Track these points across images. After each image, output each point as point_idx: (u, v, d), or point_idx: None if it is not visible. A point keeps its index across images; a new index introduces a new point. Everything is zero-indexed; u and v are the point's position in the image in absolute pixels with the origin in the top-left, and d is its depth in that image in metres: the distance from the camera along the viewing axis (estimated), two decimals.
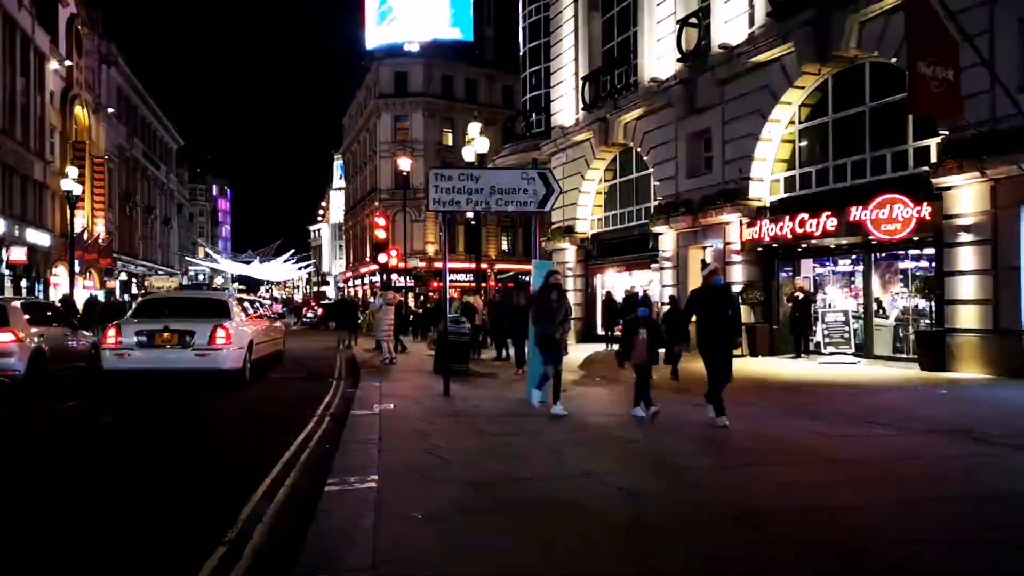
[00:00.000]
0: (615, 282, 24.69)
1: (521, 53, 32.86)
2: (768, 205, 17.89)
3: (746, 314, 17.39)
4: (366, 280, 54.80)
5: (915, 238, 14.24)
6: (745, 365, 14.30)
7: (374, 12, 51.82)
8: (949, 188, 13.17)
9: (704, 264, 16.74)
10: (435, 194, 9.85)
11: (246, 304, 14.32)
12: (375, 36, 51.85)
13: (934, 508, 4.65)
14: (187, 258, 76.15)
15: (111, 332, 11.25)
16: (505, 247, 50.63)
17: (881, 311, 15.87)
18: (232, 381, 11.31)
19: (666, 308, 14.68)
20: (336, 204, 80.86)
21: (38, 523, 4.81)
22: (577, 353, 19.28)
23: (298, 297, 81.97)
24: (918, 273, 15.00)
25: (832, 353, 16.21)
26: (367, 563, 3.58)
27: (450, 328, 12.05)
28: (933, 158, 13.55)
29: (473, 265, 26.61)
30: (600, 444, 7.02)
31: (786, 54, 16.62)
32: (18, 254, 28.82)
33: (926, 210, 13.67)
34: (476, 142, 20.09)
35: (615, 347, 20.11)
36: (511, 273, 46.48)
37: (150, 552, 4.20)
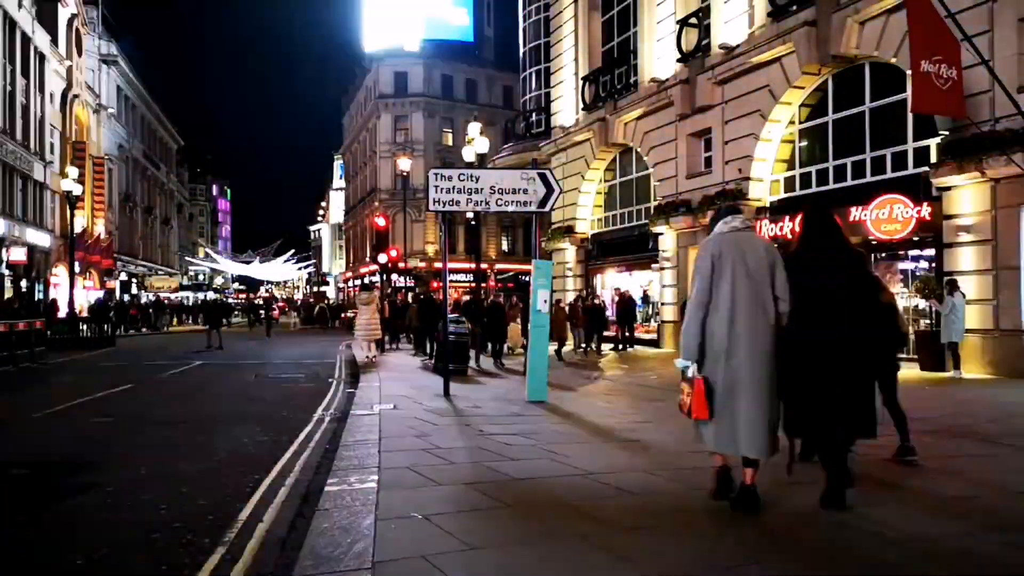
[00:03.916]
0: (614, 282, 24.70)
1: (521, 53, 32.88)
2: (768, 205, 17.89)
3: None
4: (366, 280, 54.79)
5: (915, 238, 14.24)
6: None
7: (374, 12, 51.79)
8: (949, 188, 13.17)
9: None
10: (435, 194, 9.85)
11: None
12: (374, 36, 51.82)
13: (937, 508, 4.65)
14: (187, 258, 76.07)
15: None
16: (505, 247, 50.61)
17: None
18: None
19: None
20: (336, 204, 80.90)
21: (52, 529, 4.82)
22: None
23: (298, 296, 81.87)
24: (918, 273, 14.99)
25: None
26: (367, 563, 3.57)
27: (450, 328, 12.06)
28: (933, 158, 13.55)
29: (473, 265, 26.58)
30: (600, 444, 7.01)
31: (786, 54, 16.63)
32: (18, 254, 28.81)
33: (926, 210, 13.68)
34: (476, 142, 20.03)
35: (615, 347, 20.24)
36: (511, 273, 46.49)
37: (149, 551, 4.19)
